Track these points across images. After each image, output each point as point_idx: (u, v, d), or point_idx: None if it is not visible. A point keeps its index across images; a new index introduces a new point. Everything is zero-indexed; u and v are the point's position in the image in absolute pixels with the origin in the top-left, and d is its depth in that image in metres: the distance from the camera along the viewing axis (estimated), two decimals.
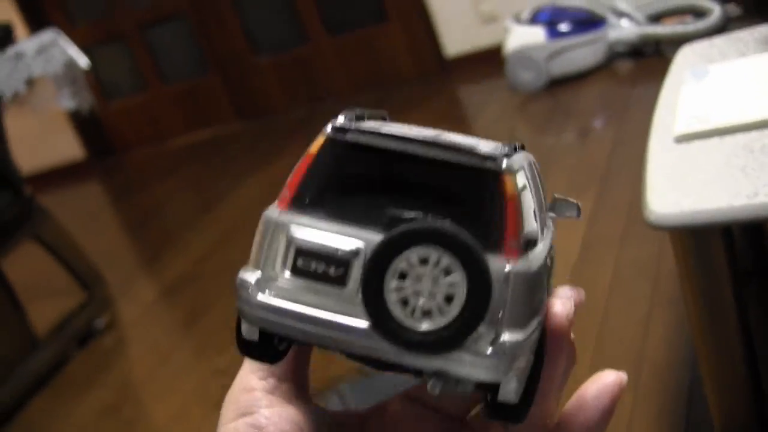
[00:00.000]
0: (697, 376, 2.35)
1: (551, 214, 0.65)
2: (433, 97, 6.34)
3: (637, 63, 5.49)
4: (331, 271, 0.51)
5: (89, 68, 3.87)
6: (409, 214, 0.51)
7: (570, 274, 3.15)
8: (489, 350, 0.50)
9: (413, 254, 0.49)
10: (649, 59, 5.39)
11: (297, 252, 0.52)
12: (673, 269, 1.71)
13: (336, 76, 7.08)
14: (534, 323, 0.53)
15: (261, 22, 7.18)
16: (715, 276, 1.63)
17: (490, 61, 6.10)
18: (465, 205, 0.52)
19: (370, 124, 0.57)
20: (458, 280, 0.49)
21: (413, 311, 0.49)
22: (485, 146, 0.55)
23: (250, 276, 0.52)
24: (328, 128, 0.56)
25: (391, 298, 0.49)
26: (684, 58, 2.26)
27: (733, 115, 1.72)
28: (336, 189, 0.54)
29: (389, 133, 0.54)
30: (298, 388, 0.62)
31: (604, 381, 0.62)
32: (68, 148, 7.62)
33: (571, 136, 4.86)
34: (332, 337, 0.51)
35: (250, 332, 0.55)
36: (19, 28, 6.45)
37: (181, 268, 4.62)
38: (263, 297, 0.52)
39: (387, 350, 0.50)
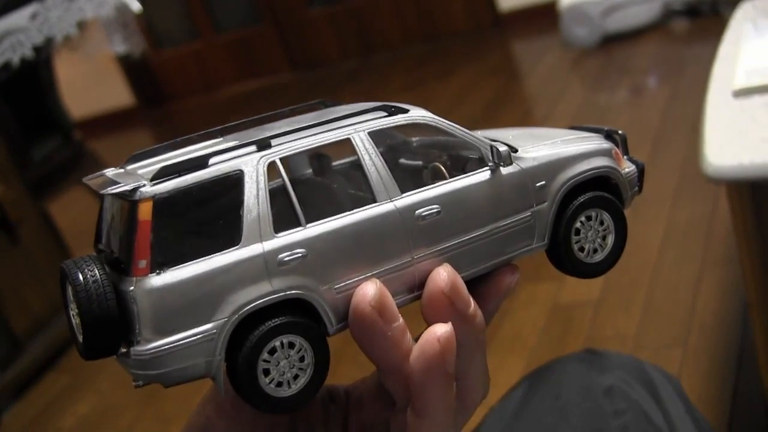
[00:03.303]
0: (747, 338, 2.32)
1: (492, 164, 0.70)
2: (486, 51, 6.28)
3: (693, 22, 5.41)
4: None
5: (140, 13, 3.86)
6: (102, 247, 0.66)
7: None
8: (129, 359, 0.61)
9: (66, 285, 0.63)
10: (706, 18, 5.31)
11: None
12: (726, 230, 1.69)
13: (389, 28, 7.03)
14: (204, 327, 0.60)
15: None
16: None
17: (544, 16, 6.04)
18: (123, 232, 0.62)
19: (131, 165, 0.68)
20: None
21: (74, 327, 0.63)
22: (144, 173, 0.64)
23: None
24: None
25: (70, 316, 0.64)
26: (744, 14, 2.21)
27: None
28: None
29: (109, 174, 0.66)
30: None
31: (421, 343, 0.64)
32: (118, 94, 7.63)
33: (624, 93, 4.81)
34: None
35: None
36: None
37: None
38: None
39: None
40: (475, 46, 6.43)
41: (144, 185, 0.60)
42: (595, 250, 0.74)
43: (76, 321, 0.62)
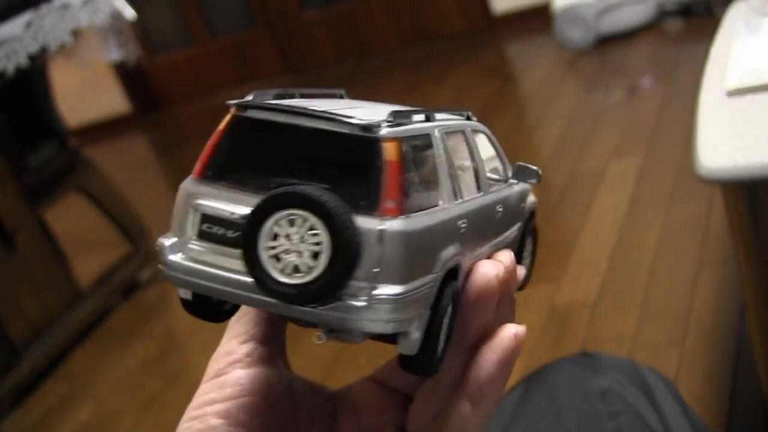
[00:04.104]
0: (745, 338, 2.32)
1: (512, 180, 0.74)
2: (481, 53, 6.28)
3: (687, 22, 5.41)
4: (229, 234, 0.58)
5: (135, 20, 3.86)
6: (293, 181, 0.56)
7: (618, 232, 3.12)
8: (362, 303, 0.54)
9: (283, 216, 0.54)
10: (699, 18, 5.31)
11: (202, 218, 0.59)
12: (722, 230, 1.69)
13: (384, 30, 7.03)
14: (426, 278, 0.57)
15: None
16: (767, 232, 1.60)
17: (538, 18, 6.04)
18: (348, 170, 0.56)
19: (275, 102, 0.61)
20: (323, 239, 0.53)
21: (284, 268, 0.54)
22: (374, 115, 0.58)
23: (167, 240, 0.60)
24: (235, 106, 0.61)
25: (264, 256, 0.54)
26: (737, 13, 2.21)
27: None
28: (238, 161, 0.59)
29: (285, 108, 0.58)
30: (275, 352, 0.68)
31: (500, 334, 0.64)
32: (114, 101, 7.62)
33: (619, 94, 4.81)
34: (231, 293, 0.57)
35: (182, 291, 0.61)
36: None
37: None
38: (175, 258, 0.59)
39: (274, 304, 0.55)
40: (469, 49, 6.43)
41: (385, 125, 0.57)
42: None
43: (299, 258, 0.55)
